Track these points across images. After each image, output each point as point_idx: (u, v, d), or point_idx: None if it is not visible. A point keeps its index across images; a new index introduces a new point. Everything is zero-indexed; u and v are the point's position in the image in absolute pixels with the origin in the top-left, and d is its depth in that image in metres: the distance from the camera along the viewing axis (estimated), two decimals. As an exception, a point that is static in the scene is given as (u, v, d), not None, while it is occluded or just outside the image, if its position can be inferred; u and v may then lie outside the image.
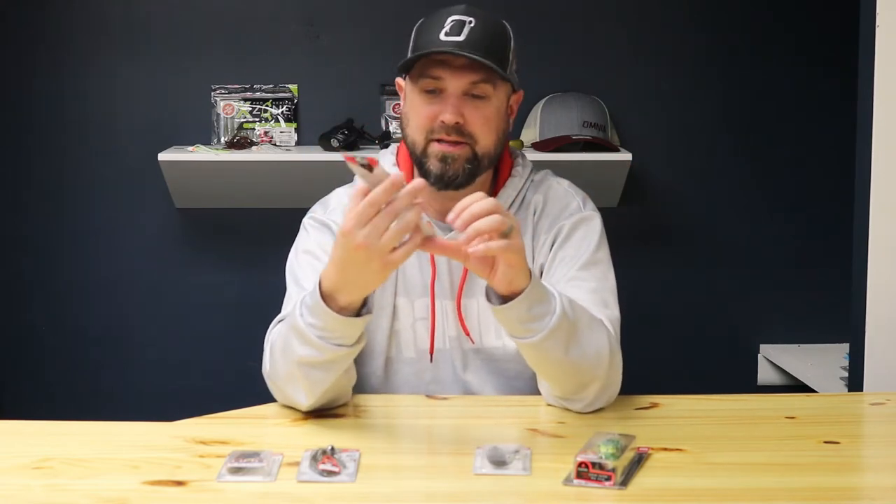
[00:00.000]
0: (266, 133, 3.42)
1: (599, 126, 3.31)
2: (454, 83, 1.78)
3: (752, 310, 3.59)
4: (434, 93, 1.80)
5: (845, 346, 2.51)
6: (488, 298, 1.62)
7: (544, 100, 3.37)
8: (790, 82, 3.50)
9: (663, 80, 3.49)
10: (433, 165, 1.80)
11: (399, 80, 1.90)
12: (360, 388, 1.90)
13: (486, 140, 1.81)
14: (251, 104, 3.43)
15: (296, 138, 3.44)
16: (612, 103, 3.40)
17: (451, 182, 1.81)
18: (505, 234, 1.53)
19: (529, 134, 3.36)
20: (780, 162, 3.53)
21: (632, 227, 3.46)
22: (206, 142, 3.41)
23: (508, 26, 1.86)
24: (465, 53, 1.76)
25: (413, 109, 1.83)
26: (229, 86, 3.43)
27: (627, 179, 3.38)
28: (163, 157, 3.23)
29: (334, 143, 3.28)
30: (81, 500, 1.42)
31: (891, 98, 2.19)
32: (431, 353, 1.89)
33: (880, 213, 2.21)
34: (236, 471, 1.47)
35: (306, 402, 1.69)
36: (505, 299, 1.59)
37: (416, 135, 1.82)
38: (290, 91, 3.44)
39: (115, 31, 3.41)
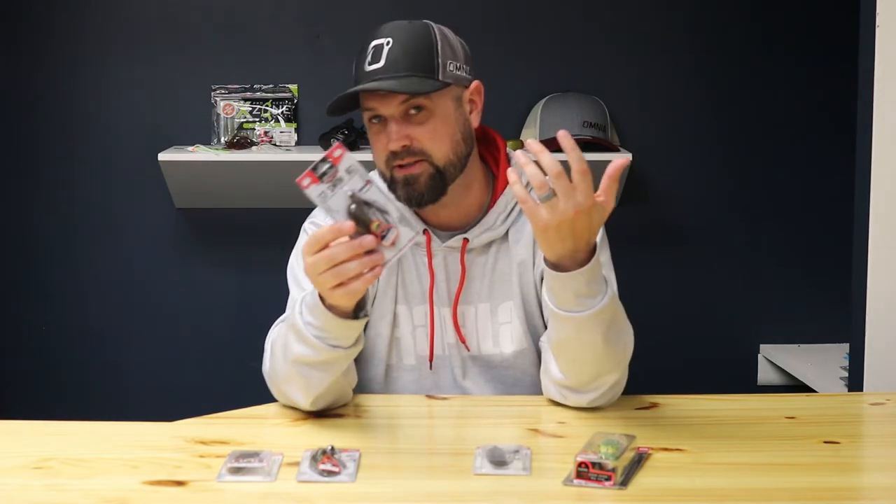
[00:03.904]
0: (266, 133, 3.42)
1: (599, 126, 3.31)
2: (387, 110, 1.78)
3: (752, 310, 3.59)
4: (379, 120, 1.80)
5: (845, 346, 2.52)
6: (546, 263, 1.62)
7: (544, 100, 3.37)
8: (791, 82, 3.50)
9: (663, 80, 3.49)
10: (400, 192, 1.80)
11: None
12: (360, 393, 1.90)
13: (440, 152, 1.80)
14: (251, 104, 3.43)
15: (296, 138, 3.44)
16: (612, 103, 3.40)
17: (420, 202, 1.81)
18: (544, 198, 1.53)
19: (529, 134, 3.36)
20: (781, 162, 3.53)
21: (632, 227, 3.46)
22: (206, 142, 3.41)
23: (433, 27, 1.82)
24: (371, 87, 1.75)
25: (370, 143, 1.84)
26: (229, 86, 3.43)
27: (627, 179, 3.38)
28: (163, 157, 3.23)
29: (334, 143, 3.27)
30: (81, 500, 1.42)
31: (891, 98, 2.19)
32: (431, 360, 1.90)
33: (880, 213, 2.21)
34: (236, 471, 1.47)
35: (304, 401, 1.70)
36: (562, 268, 1.60)
37: (381, 165, 1.83)
38: (290, 91, 3.44)
39: (116, 31, 3.41)
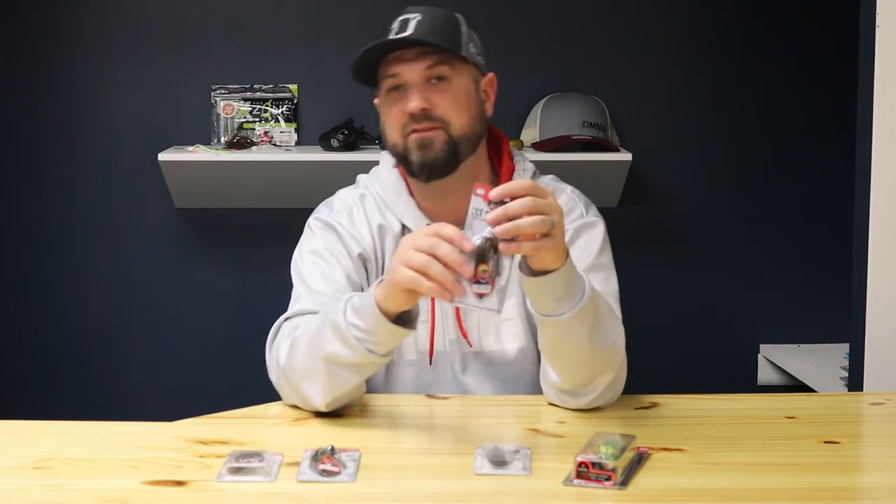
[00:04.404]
0: (266, 133, 3.42)
1: (599, 126, 3.31)
2: (410, 73, 1.79)
3: (752, 310, 3.59)
4: (399, 90, 1.81)
5: (845, 346, 2.51)
6: (521, 269, 1.62)
7: (544, 100, 3.37)
8: (791, 82, 3.50)
9: (663, 80, 3.49)
10: (414, 156, 1.81)
11: (377, 100, 1.89)
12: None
13: (458, 121, 1.81)
14: (251, 104, 3.43)
15: (296, 138, 3.45)
16: (612, 103, 3.41)
17: (434, 168, 1.81)
18: (545, 233, 1.53)
19: (529, 134, 3.36)
20: (781, 162, 3.53)
21: (632, 227, 3.46)
22: (206, 142, 3.41)
23: (460, 17, 1.86)
24: (403, 38, 1.76)
25: (384, 113, 1.84)
26: (229, 86, 3.43)
27: (627, 179, 3.38)
28: (163, 157, 3.23)
29: (334, 143, 3.28)
30: (81, 500, 1.42)
31: (891, 98, 2.19)
32: (431, 355, 1.90)
33: (880, 213, 2.21)
34: (236, 471, 1.47)
35: (320, 400, 1.70)
36: (538, 273, 1.59)
37: (394, 135, 1.83)
38: (290, 91, 3.44)
39: (116, 31, 3.42)
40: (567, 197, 1.94)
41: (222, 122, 3.43)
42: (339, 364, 1.65)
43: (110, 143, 3.44)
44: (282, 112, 3.44)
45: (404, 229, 1.90)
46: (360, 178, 1.99)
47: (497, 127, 1.96)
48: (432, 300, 1.88)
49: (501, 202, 1.52)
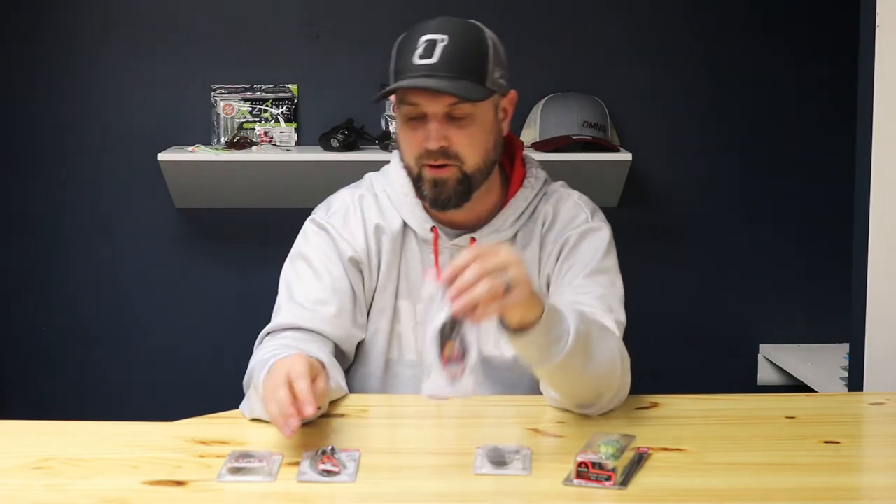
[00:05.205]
0: (266, 133, 3.42)
1: (599, 126, 3.31)
2: (432, 108, 1.77)
3: (752, 310, 3.59)
4: (417, 118, 1.79)
5: (845, 346, 2.52)
6: (501, 328, 1.57)
7: (544, 100, 3.37)
8: (791, 82, 3.50)
9: (663, 80, 3.49)
10: (427, 191, 1.81)
11: (394, 110, 1.88)
12: (359, 388, 1.90)
13: (473, 158, 1.80)
14: (251, 104, 3.43)
15: (296, 138, 3.44)
16: (612, 103, 3.40)
17: (445, 204, 1.81)
18: (505, 290, 1.49)
19: (529, 134, 3.36)
20: (781, 162, 3.53)
21: (632, 227, 3.46)
22: (206, 142, 3.41)
23: (486, 31, 1.82)
24: (430, 86, 1.73)
25: (402, 135, 1.83)
26: (229, 86, 3.43)
27: (627, 179, 3.38)
28: (163, 157, 3.23)
29: (334, 143, 3.28)
30: (81, 500, 1.42)
31: (891, 98, 2.19)
32: None
33: (880, 213, 2.21)
34: (236, 471, 1.47)
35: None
36: (518, 329, 1.56)
37: (409, 160, 1.83)
38: (290, 91, 3.44)
39: (115, 30, 3.41)
40: (573, 203, 1.94)
41: (222, 122, 3.43)
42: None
43: (110, 143, 3.44)
44: (282, 112, 3.44)
45: (405, 228, 1.90)
46: (368, 176, 1.98)
47: (513, 133, 1.95)
48: None
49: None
